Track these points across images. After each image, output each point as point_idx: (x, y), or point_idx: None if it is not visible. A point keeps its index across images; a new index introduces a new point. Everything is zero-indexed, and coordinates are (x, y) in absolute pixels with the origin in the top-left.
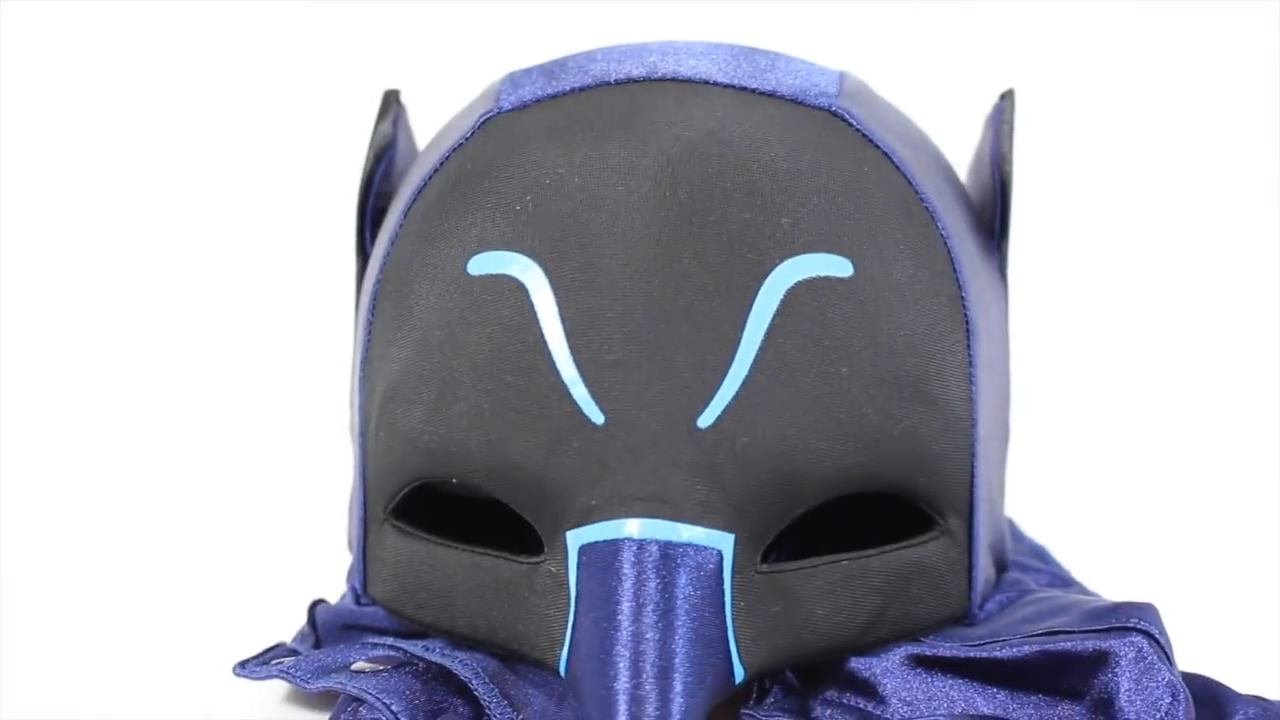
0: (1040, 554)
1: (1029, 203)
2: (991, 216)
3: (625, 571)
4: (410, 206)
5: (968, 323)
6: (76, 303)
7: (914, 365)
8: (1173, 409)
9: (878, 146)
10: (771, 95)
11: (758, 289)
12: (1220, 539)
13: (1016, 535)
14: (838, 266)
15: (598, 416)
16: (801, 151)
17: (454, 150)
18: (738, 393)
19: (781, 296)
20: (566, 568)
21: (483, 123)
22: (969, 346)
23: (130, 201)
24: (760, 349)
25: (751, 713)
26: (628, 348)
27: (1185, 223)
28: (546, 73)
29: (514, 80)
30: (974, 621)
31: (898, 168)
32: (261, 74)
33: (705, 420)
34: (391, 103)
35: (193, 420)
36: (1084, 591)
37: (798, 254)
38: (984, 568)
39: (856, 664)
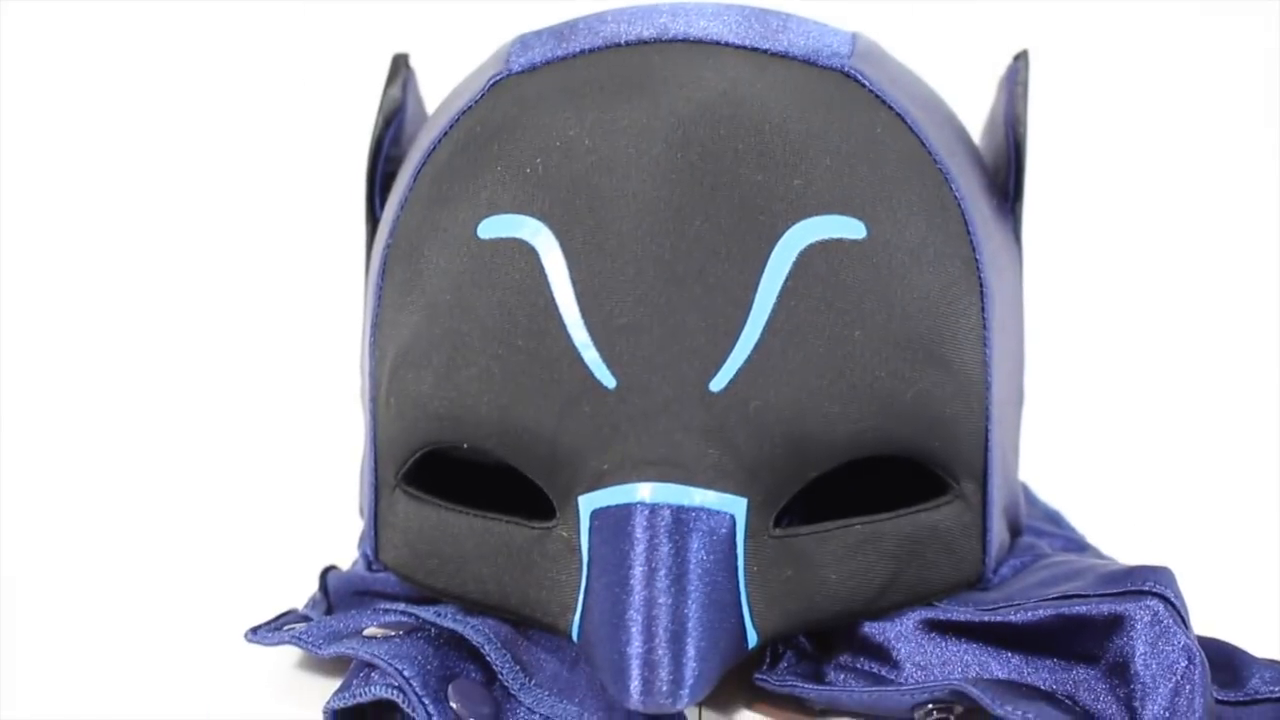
0: (1055, 519)
1: (1045, 164)
2: (1005, 179)
3: (638, 536)
4: (420, 170)
5: (982, 285)
6: (84, 272)
7: (927, 328)
8: (1188, 373)
9: (890, 107)
10: (784, 56)
11: (770, 251)
12: (1235, 502)
13: (1031, 499)
14: (851, 228)
15: (609, 380)
16: (814, 112)
17: (463, 113)
18: (750, 356)
19: (794, 259)
20: (578, 532)
21: (492, 85)
22: (983, 309)
23: (138, 170)
24: (773, 312)
25: (764, 677)
26: (639, 311)
27: (1201, 187)
28: (557, 34)
29: (524, 42)
30: (988, 586)
31: (911, 129)
32: (271, 40)
33: (718, 384)
34: (400, 67)
35: (204, 389)
36: (1098, 556)
37: (810, 215)
38: (998, 531)
39: (870, 628)
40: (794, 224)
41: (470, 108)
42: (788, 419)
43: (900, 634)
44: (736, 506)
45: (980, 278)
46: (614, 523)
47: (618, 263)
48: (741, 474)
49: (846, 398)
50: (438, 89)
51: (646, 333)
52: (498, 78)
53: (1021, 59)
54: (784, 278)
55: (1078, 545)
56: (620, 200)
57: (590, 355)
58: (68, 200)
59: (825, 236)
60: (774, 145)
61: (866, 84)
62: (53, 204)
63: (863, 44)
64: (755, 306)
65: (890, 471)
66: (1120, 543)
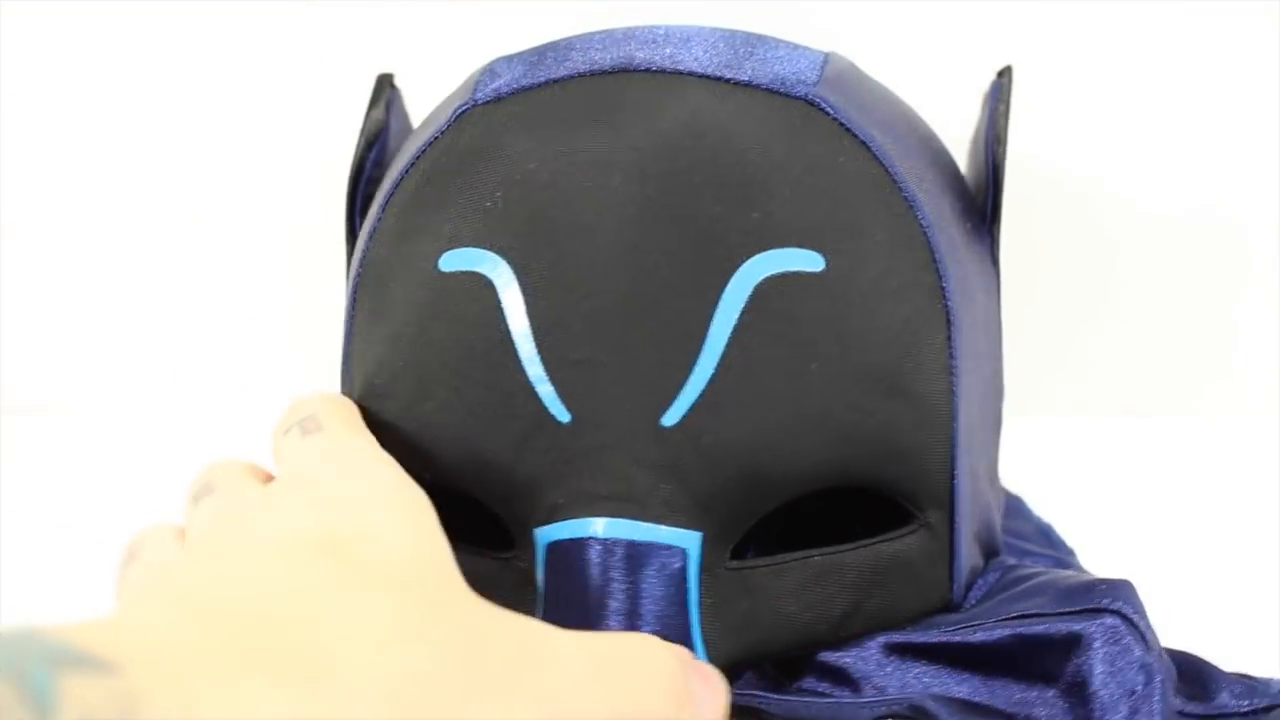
0: (1046, 534)
1: (1033, 181)
2: (984, 200)
3: (590, 571)
4: (388, 201)
5: (948, 314)
6: (84, 270)
7: (888, 360)
8: (1175, 387)
9: (855, 135)
10: (748, 85)
11: (725, 285)
12: (1226, 517)
13: (1024, 514)
14: (809, 261)
15: (563, 415)
16: (774, 143)
17: (429, 144)
18: (703, 391)
19: (749, 292)
20: (535, 565)
21: (458, 115)
22: (950, 338)
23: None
24: (726, 346)
25: None
26: (593, 346)
27: (1191, 203)
28: (526, 62)
29: (493, 70)
30: (956, 609)
31: (876, 157)
32: (261, 56)
33: (670, 419)
34: (385, 87)
35: (186, 407)
36: (1077, 571)
37: (767, 249)
38: (967, 558)
39: (830, 655)
40: (750, 257)
41: (436, 139)
42: (741, 454)
43: (861, 657)
44: (690, 541)
45: (947, 307)
46: (567, 556)
47: (572, 298)
48: (695, 508)
49: (802, 432)
50: (426, 108)
51: (600, 368)
52: (463, 109)
53: (1006, 75)
54: (738, 312)
55: (1062, 565)
56: (576, 234)
57: (545, 390)
58: (65, 211)
59: (782, 270)
60: (732, 178)
61: (831, 112)
62: (47, 221)
63: (833, 67)
64: (709, 341)
65: (854, 500)
66: (1109, 556)
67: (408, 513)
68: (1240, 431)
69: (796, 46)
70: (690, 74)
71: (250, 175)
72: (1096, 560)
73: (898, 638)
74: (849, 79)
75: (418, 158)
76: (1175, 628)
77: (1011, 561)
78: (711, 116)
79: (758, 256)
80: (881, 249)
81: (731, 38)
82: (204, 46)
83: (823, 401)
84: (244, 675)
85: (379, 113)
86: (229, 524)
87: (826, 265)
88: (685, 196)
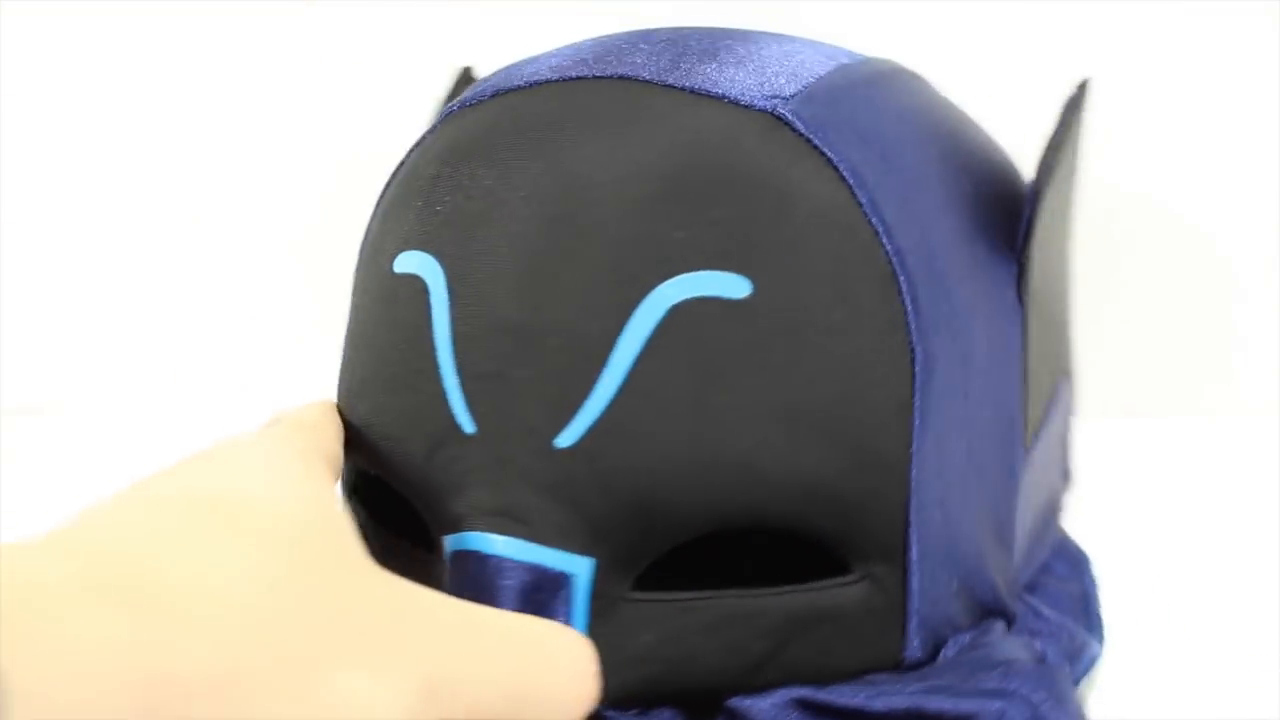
0: (1077, 563)
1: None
2: (1018, 225)
3: (481, 585)
4: (379, 199)
5: (913, 351)
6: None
7: (817, 398)
8: (1175, 387)
9: (822, 154)
10: (709, 96)
11: (636, 306)
12: (1226, 517)
13: (1078, 574)
14: (732, 286)
15: (469, 426)
16: (717, 159)
17: (417, 145)
18: (601, 415)
19: (661, 316)
20: (444, 569)
21: (442, 119)
22: (914, 377)
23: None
24: (630, 371)
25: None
26: (501, 360)
27: (1192, 203)
28: (513, 66)
29: (492, 73)
30: (909, 667)
31: (842, 177)
32: (261, 55)
33: (565, 440)
34: (465, 81)
35: (186, 407)
36: (1085, 612)
37: (688, 271)
38: (933, 617)
39: (739, 700)
40: (668, 279)
41: (422, 140)
42: (637, 483)
43: (765, 707)
44: (579, 567)
45: (911, 343)
46: (464, 567)
47: (489, 309)
48: (586, 534)
49: (704, 467)
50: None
51: (505, 383)
52: (449, 110)
53: (1082, 89)
54: (646, 336)
55: (1076, 602)
56: (499, 244)
57: (456, 400)
58: (65, 211)
59: (700, 294)
60: (664, 194)
61: (797, 127)
62: (47, 221)
63: (837, 78)
64: (611, 364)
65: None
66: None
67: (304, 484)
68: (1240, 431)
69: (793, 52)
70: (648, 82)
71: (250, 175)
72: (1097, 560)
73: (810, 693)
74: (851, 91)
75: (405, 158)
76: (1176, 627)
77: (1002, 625)
78: (657, 128)
79: (676, 279)
80: (824, 278)
81: (700, 44)
82: (204, 46)
83: (731, 437)
84: (94, 603)
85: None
86: (133, 486)
87: (753, 291)
88: (611, 213)
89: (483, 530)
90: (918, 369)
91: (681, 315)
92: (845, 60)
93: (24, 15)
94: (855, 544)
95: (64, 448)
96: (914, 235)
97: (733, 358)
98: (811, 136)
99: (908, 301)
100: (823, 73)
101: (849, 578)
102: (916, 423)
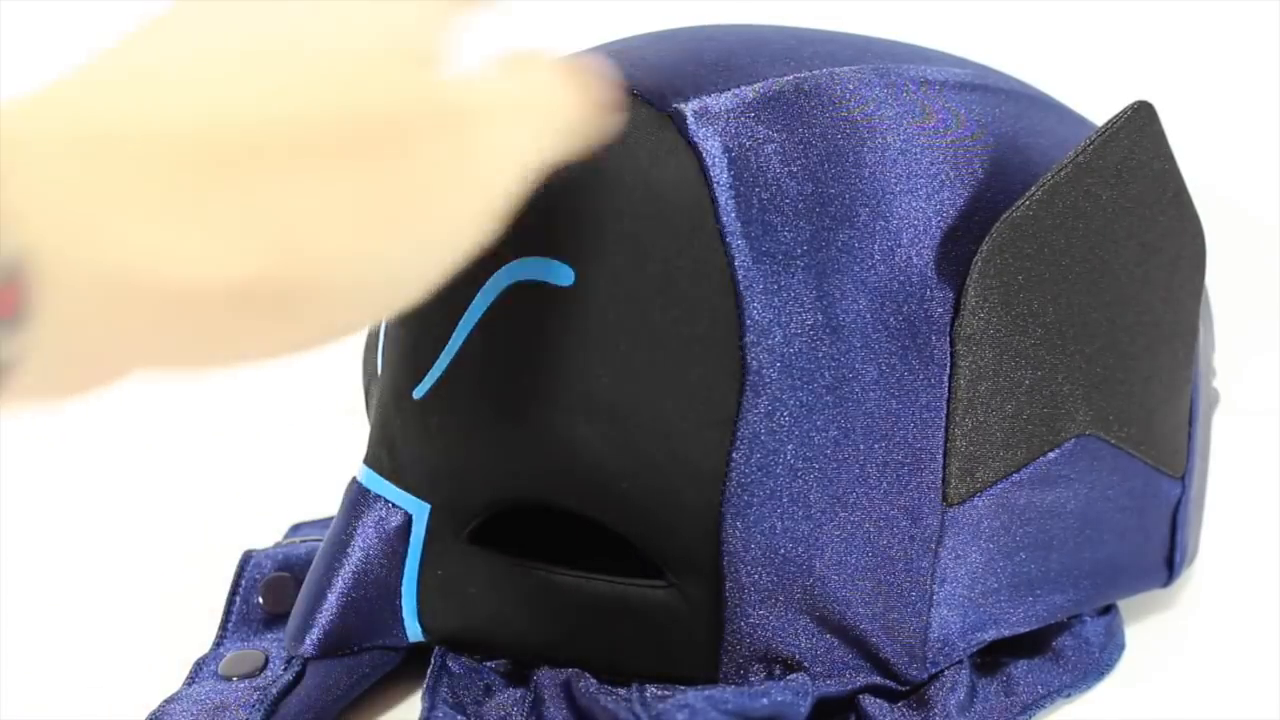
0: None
1: None
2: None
3: (354, 511)
4: None
5: (745, 369)
6: None
7: (622, 395)
8: None
9: (700, 159)
10: (630, 93)
11: (480, 286)
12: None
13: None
14: (558, 274)
15: (379, 372)
16: (600, 151)
17: None
18: (441, 375)
19: (495, 295)
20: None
21: None
22: (741, 393)
23: None
24: (464, 343)
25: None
26: (398, 322)
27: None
28: None
29: None
30: (728, 682)
31: (709, 183)
32: None
33: (418, 393)
34: None
35: (185, 407)
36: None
37: (523, 256)
38: (760, 643)
39: (537, 672)
40: (509, 262)
41: None
42: (455, 446)
43: (546, 683)
44: (416, 508)
45: (744, 360)
46: (349, 492)
47: None
48: (424, 481)
49: (505, 442)
50: None
51: (392, 340)
52: None
53: (1142, 112)
54: (481, 313)
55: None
56: None
57: (374, 355)
58: None
59: (529, 279)
60: (548, 180)
61: (685, 128)
62: None
63: (781, 85)
64: (454, 336)
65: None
66: None
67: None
68: (1240, 431)
69: (787, 46)
70: None
71: None
72: None
73: (586, 683)
74: (788, 99)
75: None
76: (1175, 627)
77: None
78: None
79: (514, 263)
80: (654, 279)
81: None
82: None
83: (533, 417)
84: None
85: None
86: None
87: (575, 280)
88: None
89: (364, 464)
90: (747, 387)
91: (511, 297)
92: (828, 70)
93: (24, 15)
94: (662, 550)
95: (63, 447)
96: (761, 246)
97: (544, 342)
98: (697, 139)
99: (746, 313)
100: (770, 86)
101: (659, 582)
102: (738, 440)
